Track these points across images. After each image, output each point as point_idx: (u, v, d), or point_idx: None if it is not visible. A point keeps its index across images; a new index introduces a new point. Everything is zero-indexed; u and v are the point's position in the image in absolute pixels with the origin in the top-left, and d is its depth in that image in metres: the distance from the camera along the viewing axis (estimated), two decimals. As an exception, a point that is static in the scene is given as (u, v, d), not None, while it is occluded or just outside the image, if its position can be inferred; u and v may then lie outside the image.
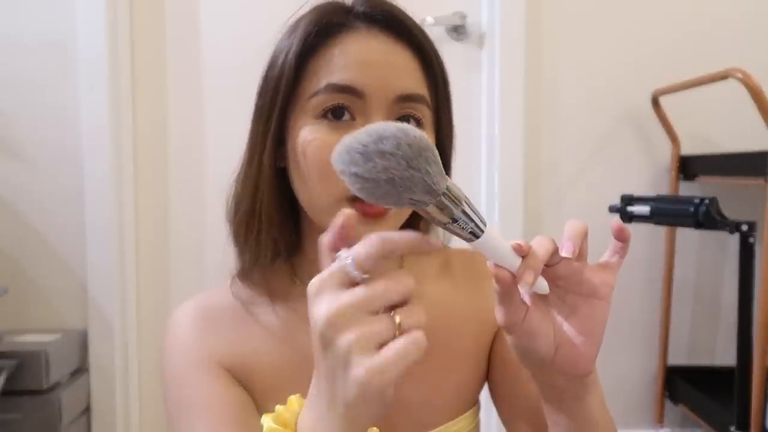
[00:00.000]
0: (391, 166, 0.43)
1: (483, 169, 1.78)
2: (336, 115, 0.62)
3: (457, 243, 0.88)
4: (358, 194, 0.45)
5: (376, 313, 0.44)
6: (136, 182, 1.75)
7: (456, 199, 0.45)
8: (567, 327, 0.52)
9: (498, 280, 0.49)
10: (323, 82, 0.62)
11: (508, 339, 0.53)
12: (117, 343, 1.70)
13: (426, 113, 0.65)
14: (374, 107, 0.62)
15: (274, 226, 0.66)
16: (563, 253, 0.52)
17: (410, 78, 0.64)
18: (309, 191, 0.63)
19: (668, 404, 1.78)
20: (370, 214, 0.59)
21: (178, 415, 0.65)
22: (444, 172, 0.45)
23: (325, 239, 0.48)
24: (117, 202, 1.69)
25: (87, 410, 1.70)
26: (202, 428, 0.63)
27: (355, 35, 0.63)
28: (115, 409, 1.70)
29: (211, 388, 0.64)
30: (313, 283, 0.45)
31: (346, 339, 0.43)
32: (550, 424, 0.58)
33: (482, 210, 1.78)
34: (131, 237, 1.74)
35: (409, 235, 0.45)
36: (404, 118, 0.63)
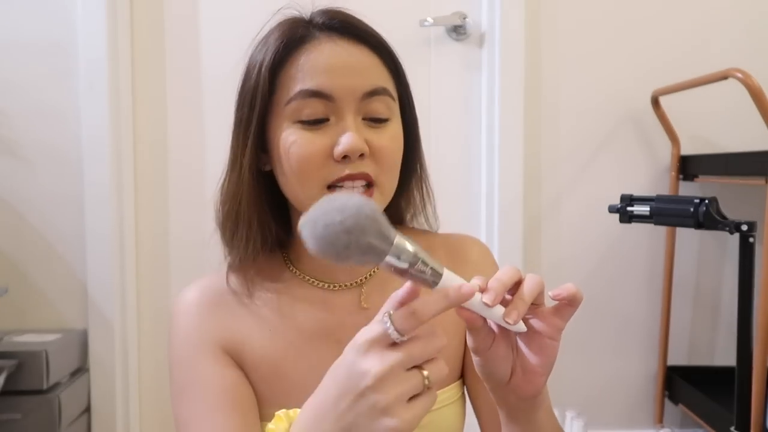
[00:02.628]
0: (351, 240, 0.49)
1: (483, 169, 1.78)
2: (311, 118, 0.69)
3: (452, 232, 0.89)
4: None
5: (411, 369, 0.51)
6: (135, 182, 1.75)
7: (406, 246, 0.50)
8: (522, 357, 0.58)
9: (468, 323, 0.54)
10: (296, 90, 0.69)
11: (473, 359, 0.58)
12: (117, 343, 1.70)
13: (391, 104, 0.73)
14: (344, 106, 0.69)
15: (254, 226, 0.74)
16: (509, 321, 0.54)
17: (372, 75, 0.71)
18: (294, 186, 0.71)
19: (668, 404, 1.78)
20: (355, 193, 0.67)
21: (180, 395, 0.71)
22: (390, 228, 0.50)
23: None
24: (117, 202, 1.69)
25: (87, 410, 1.70)
26: (200, 409, 0.69)
27: (318, 44, 0.71)
28: (115, 409, 1.70)
29: (210, 372, 0.70)
30: (361, 342, 0.51)
31: (389, 395, 0.49)
32: (503, 430, 0.64)
33: (482, 211, 1.78)
34: (131, 237, 1.74)
35: (440, 297, 0.50)
36: (372, 119, 0.71)
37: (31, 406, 1.48)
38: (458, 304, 0.51)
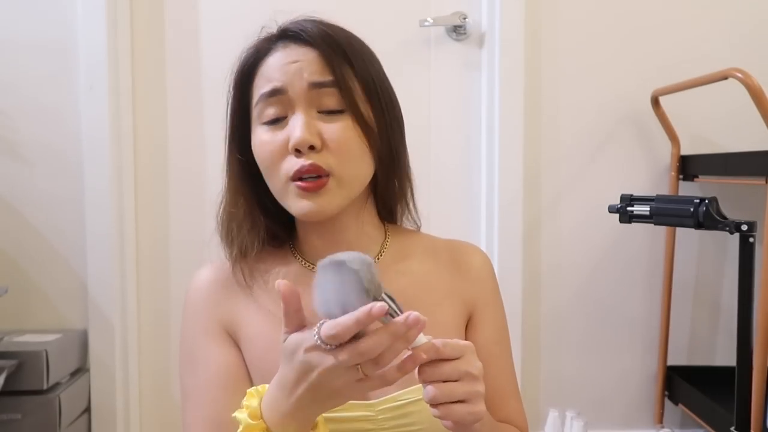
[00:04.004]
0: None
1: (483, 168, 1.78)
2: (271, 118, 0.76)
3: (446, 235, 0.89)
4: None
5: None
6: (136, 182, 1.75)
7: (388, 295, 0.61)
8: None
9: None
10: (259, 94, 0.77)
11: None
12: (117, 343, 1.70)
13: (344, 96, 0.75)
14: (295, 100, 0.75)
15: (245, 225, 0.80)
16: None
17: (318, 69, 0.75)
18: (269, 182, 0.78)
19: (668, 404, 1.78)
20: (310, 189, 0.73)
21: (185, 366, 0.79)
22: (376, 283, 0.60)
23: (283, 307, 0.63)
24: (117, 202, 1.69)
25: (87, 410, 1.70)
26: (200, 384, 0.76)
27: (274, 53, 0.78)
28: (115, 409, 1.70)
29: (212, 351, 0.76)
30: (305, 346, 0.61)
31: (333, 384, 0.61)
32: None
33: (482, 211, 1.78)
34: (131, 237, 1.74)
35: (357, 316, 0.57)
36: (325, 111, 0.75)
37: (31, 406, 1.48)
38: (365, 325, 0.58)
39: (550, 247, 1.79)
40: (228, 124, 0.82)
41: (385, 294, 0.60)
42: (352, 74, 0.77)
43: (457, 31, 1.77)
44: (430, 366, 0.61)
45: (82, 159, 1.68)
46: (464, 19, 1.76)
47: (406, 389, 0.78)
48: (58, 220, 1.70)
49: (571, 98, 1.77)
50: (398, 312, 0.60)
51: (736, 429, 1.32)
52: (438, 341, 0.61)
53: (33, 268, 1.71)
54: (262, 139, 0.76)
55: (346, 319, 0.57)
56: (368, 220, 0.83)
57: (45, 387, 1.48)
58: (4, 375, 1.41)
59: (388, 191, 0.84)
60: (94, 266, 1.69)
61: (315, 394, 0.62)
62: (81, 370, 1.69)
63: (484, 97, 1.77)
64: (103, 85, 1.66)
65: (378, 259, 0.82)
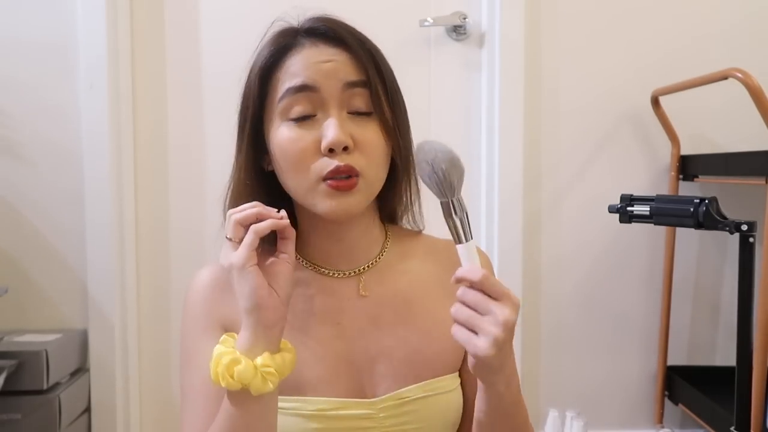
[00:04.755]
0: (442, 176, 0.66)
1: (483, 168, 1.78)
2: (299, 115, 0.75)
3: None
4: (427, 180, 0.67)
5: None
6: (136, 182, 1.75)
7: (462, 207, 0.66)
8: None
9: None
10: (284, 89, 0.76)
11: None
12: (117, 343, 1.70)
13: (373, 99, 0.77)
14: (328, 99, 0.75)
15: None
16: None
17: (351, 70, 0.76)
18: (292, 180, 0.77)
19: (668, 404, 1.78)
20: (341, 188, 0.74)
21: (184, 364, 0.80)
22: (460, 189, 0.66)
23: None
24: (117, 202, 1.69)
25: (87, 410, 1.70)
26: (197, 380, 0.77)
27: (302, 49, 0.77)
28: (115, 409, 1.70)
29: (210, 349, 0.74)
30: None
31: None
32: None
33: (482, 210, 1.78)
34: (131, 237, 1.74)
35: (260, 209, 0.70)
36: (356, 113, 0.76)
37: (31, 406, 1.48)
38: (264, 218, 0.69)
39: (549, 247, 1.79)
40: (241, 117, 0.80)
41: (455, 200, 0.66)
42: (378, 78, 0.78)
43: (457, 31, 1.77)
44: (469, 288, 0.64)
45: (83, 158, 1.68)
46: (464, 19, 1.76)
47: (407, 387, 0.78)
48: (59, 219, 1.70)
49: (571, 98, 1.77)
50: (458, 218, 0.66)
51: (736, 429, 1.32)
52: (485, 275, 0.63)
53: (33, 268, 1.71)
54: (291, 136, 0.75)
55: (250, 207, 0.69)
56: (372, 221, 0.84)
57: (45, 387, 1.48)
58: (4, 375, 1.41)
59: (395, 195, 0.85)
60: (94, 266, 1.69)
61: (240, 301, 0.68)
62: (81, 370, 1.69)
63: (484, 97, 1.77)
64: (103, 84, 1.66)
65: (379, 259, 0.83)
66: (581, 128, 1.78)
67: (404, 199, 0.86)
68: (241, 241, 0.68)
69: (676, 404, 1.74)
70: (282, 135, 0.76)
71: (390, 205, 0.87)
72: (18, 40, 1.68)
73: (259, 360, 0.67)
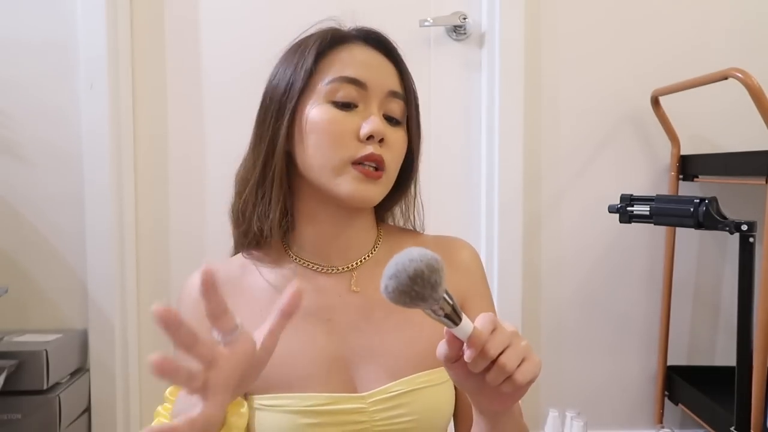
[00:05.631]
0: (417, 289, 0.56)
1: (483, 168, 1.78)
2: (344, 100, 0.79)
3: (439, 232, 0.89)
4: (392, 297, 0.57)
5: None
6: (136, 182, 1.75)
7: (448, 305, 0.58)
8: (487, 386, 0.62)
9: (449, 343, 0.61)
10: (336, 75, 0.80)
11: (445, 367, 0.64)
12: (117, 343, 1.70)
13: (404, 110, 0.84)
14: (372, 97, 0.81)
15: (274, 201, 0.81)
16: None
17: (395, 80, 0.84)
18: (322, 157, 0.79)
19: (668, 404, 1.78)
20: (369, 175, 0.78)
21: None
22: (442, 286, 0.57)
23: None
24: (117, 202, 1.69)
25: (87, 410, 1.70)
26: None
27: (357, 46, 0.83)
28: (115, 409, 1.70)
29: None
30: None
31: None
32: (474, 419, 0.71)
33: (482, 210, 1.78)
34: (131, 237, 1.74)
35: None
36: (389, 118, 0.82)
37: (31, 406, 1.48)
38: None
39: (549, 247, 1.79)
40: (281, 90, 0.81)
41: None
42: (412, 95, 0.86)
43: (457, 31, 1.77)
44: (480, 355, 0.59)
45: (82, 158, 1.68)
46: (464, 19, 1.76)
47: (398, 381, 0.79)
48: (58, 219, 1.70)
49: (571, 98, 1.77)
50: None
51: (736, 429, 1.32)
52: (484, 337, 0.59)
53: (33, 268, 1.71)
54: (332, 116, 0.79)
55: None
56: (369, 219, 0.87)
57: (45, 387, 1.48)
58: (4, 375, 1.41)
59: (404, 200, 0.90)
60: (94, 266, 1.69)
61: None
62: (81, 370, 1.69)
63: (484, 97, 1.77)
64: (103, 84, 1.66)
65: (370, 255, 0.86)
66: (581, 128, 1.78)
67: (409, 204, 0.91)
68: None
69: (676, 404, 1.74)
70: (323, 113, 0.79)
71: (386, 206, 0.90)
72: (18, 40, 1.68)
73: None
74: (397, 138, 0.82)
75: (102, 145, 1.67)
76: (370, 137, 0.78)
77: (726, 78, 1.40)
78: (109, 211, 1.68)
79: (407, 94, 0.84)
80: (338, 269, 0.84)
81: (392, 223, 0.93)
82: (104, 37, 1.65)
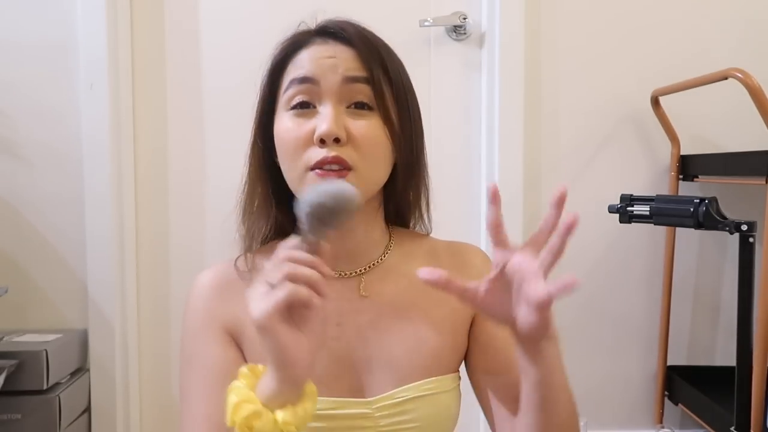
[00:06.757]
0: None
1: (483, 169, 1.78)
2: (297, 102, 0.77)
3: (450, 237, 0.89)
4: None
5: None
6: (136, 182, 1.75)
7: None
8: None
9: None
10: (287, 81, 0.79)
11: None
12: (117, 343, 1.70)
13: (375, 95, 0.78)
14: (326, 91, 0.76)
15: (259, 212, 0.82)
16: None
17: (353, 66, 0.78)
18: (286, 169, 0.79)
19: (668, 404, 1.78)
20: (329, 178, 0.74)
21: (185, 366, 0.80)
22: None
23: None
24: (117, 202, 1.69)
25: (87, 410, 1.70)
26: (199, 383, 0.77)
27: (312, 46, 0.80)
28: (115, 409, 1.70)
29: (211, 350, 0.77)
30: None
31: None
32: (521, 372, 0.72)
33: (482, 211, 1.78)
34: (131, 237, 1.74)
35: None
36: (355, 105, 0.77)
37: (31, 406, 1.48)
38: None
39: (550, 247, 1.79)
40: (257, 110, 0.83)
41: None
42: (385, 76, 0.79)
43: (457, 31, 1.77)
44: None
45: (82, 158, 1.68)
46: (464, 19, 1.76)
47: (403, 387, 0.79)
48: (58, 220, 1.70)
49: (571, 98, 1.77)
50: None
51: (736, 429, 1.32)
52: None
53: (33, 268, 1.71)
54: (288, 125, 0.77)
55: (306, 261, 0.66)
56: (377, 225, 0.85)
57: (45, 387, 1.48)
58: (4, 375, 1.41)
59: (404, 198, 0.86)
60: (94, 266, 1.69)
61: (266, 355, 0.63)
62: (81, 370, 1.69)
63: (484, 97, 1.77)
64: (103, 85, 1.66)
65: (381, 260, 0.84)
66: (581, 128, 1.78)
67: (410, 201, 0.86)
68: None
69: (676, 404, 1.74)
70: (281, 123, 0.78)
71: (400, 209, 0.87)
72: (18, 41, 1.68)
73: (280, 415, 0.64)
74: (363, 127, 0.76)
75: (102, 145, 1.67)
76: (323, 140, 0.74)
77: (726, 78, 1.40)
78: (109, 211, 1.68)
79: (371, 74, 0.78)
80: (347, 274, 0.82)
81: (413, 223, 0.90)
82: (104, 38, 1.65)
